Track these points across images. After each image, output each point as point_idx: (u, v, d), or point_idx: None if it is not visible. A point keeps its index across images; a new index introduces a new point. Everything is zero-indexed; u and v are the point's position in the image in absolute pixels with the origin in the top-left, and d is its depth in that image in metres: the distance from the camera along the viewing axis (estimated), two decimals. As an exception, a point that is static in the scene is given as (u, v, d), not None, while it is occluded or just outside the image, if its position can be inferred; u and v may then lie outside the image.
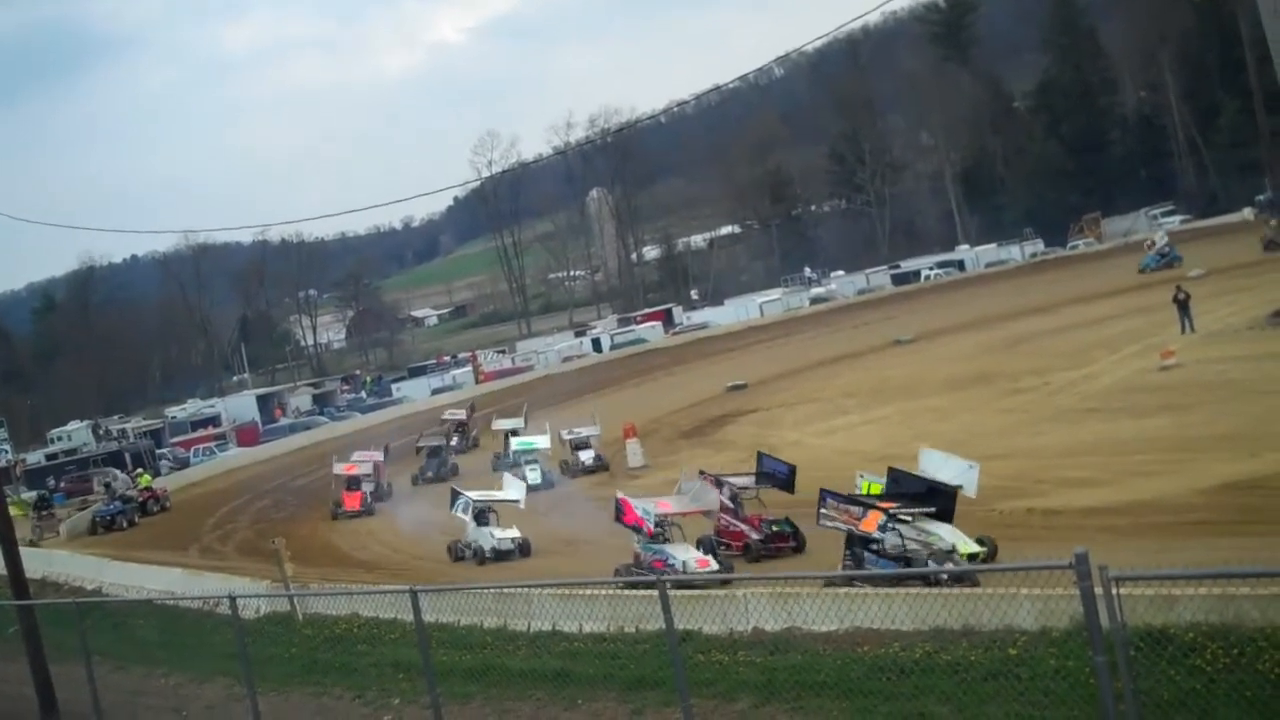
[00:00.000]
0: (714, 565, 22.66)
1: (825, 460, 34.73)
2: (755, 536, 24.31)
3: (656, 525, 23.42)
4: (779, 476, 25.47)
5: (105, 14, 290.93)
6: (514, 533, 29.63)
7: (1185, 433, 27.90)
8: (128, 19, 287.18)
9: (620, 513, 23.71)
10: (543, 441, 42.84)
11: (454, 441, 52.74)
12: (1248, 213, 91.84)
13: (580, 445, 43.21)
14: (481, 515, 29.97)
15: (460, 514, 30.34)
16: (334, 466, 44.65)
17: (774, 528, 24.59)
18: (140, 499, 52.16)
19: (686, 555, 22.92)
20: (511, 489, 31.57)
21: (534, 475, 38.70)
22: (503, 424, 48.47)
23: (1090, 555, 7.64)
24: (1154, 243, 77.62)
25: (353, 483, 42.59)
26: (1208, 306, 45.92)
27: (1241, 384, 31.72)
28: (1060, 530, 20.80)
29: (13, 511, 45.77)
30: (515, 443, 43.37)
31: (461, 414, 57.16)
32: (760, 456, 26.75)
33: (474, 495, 30.70)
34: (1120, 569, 7.73)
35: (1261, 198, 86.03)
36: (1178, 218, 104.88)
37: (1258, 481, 21.76)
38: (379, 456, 45.60)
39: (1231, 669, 10.75)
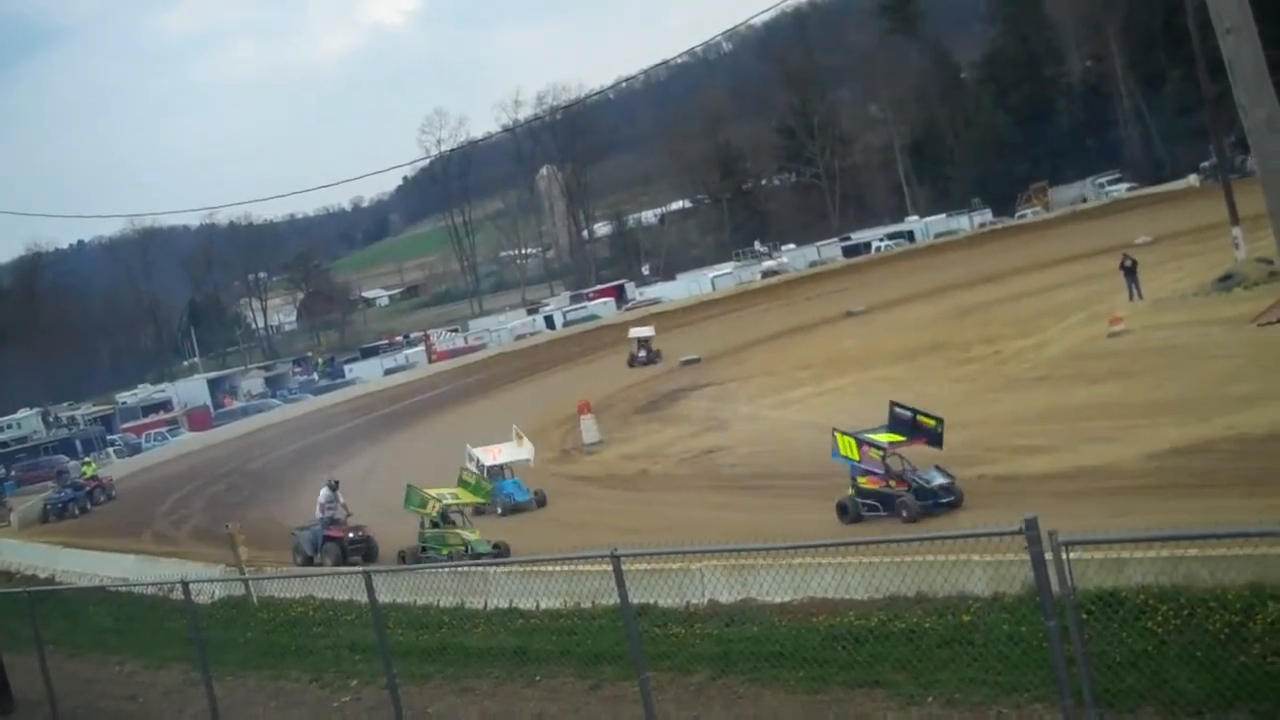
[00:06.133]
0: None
1: (782, 433, 34.91)
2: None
3: None
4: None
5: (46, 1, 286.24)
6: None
7: (1134, 398, 28.13)
8: (69, 5, 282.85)
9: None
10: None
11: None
12: (1193, 179, 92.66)
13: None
14: None
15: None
16: None
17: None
18: (87, 488, 51.75)
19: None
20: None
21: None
22: None
23: (1040, 520, 7.68)
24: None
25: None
26: (1155, 273, 46.31)
27: (1189, 349, 31.96)
28: (1012, 496, 20.91)
29: None
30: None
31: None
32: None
33: None
34: (1070, 533, 7.78)
35: (1206, 164, 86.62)
36: (1124, 185, 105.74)
37: (1206, 445, 21.96)
38: None
39: (1182, 630, 10.86)
